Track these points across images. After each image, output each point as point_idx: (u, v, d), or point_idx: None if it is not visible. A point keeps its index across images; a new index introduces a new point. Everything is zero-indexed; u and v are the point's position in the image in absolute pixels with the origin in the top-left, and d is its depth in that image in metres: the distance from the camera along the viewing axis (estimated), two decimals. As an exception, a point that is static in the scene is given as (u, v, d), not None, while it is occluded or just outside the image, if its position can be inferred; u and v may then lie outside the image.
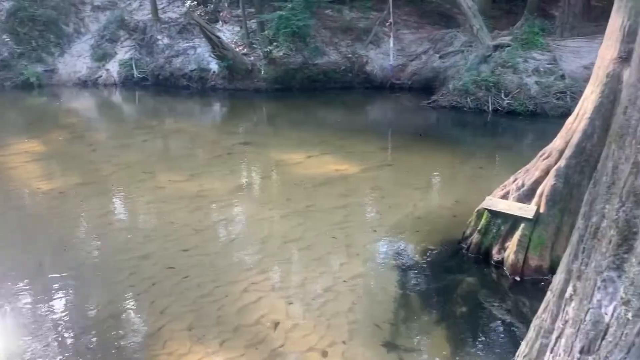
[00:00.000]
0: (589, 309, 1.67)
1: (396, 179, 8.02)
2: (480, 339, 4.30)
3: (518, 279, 5.07)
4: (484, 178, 7.80)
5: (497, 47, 12.38)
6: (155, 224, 6.50)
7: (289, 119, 12.63)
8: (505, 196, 5.56)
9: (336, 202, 6.93)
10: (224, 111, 14.49)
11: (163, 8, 17.80)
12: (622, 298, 1.58)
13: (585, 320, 1.67)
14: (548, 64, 11.73)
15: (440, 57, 14.32)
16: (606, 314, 1.62)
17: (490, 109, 11.73)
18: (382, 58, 15.01)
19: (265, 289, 4.95)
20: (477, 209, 5.68)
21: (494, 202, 5.52)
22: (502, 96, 11.63)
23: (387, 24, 14.23)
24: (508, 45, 12.23)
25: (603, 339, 1.61)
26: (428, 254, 5.64)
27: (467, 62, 12.63)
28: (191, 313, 4.56)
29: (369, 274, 5.24)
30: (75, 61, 16.81)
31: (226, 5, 17.14)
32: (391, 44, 14.31)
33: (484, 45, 12.47)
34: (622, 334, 1.55)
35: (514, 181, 5.62)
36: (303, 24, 14.14)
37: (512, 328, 4.43)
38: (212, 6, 17.03)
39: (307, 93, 14.69)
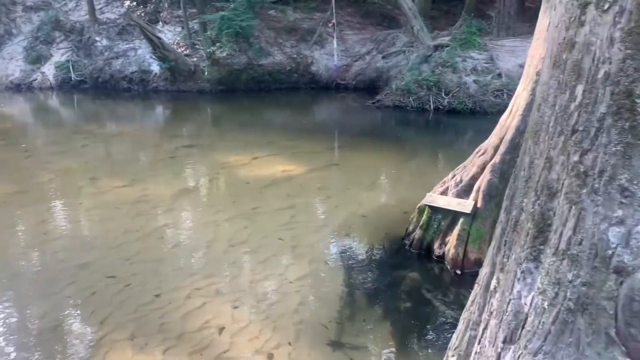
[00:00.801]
0: (510, 300, 1.74)
1: (342, 178, 8.10)
2: (423, 333, 4.41)
3: (459, 272, 5.23)
4: (428, 175, 7.99)
5: (437, 47, 12.71)
6: (95, 231, 6.30)
7: (234, 121, 12.51)
8: (444, 192, 5.72)
9: (283, 203, 6.93)
10: (167, 114, 14.18)
11: (101, 8, 17.24)
12: (539, 288, 1.66)
13: (507, 311, 1.75)
14: (485, 63, 12.15)
15: (383, 58, 14.57)
16: (525, 304, 1.70)
17: (431, 107, 12.03)
18: (326, 58, 15.12)
19: (210, 294, 4.89)
20: (418, 205, 5.82)
21: (434, 198, 5.66)
22: (443, 95, 11.96)
23: (331, 24, 14.34)
24: (447, 46, 12.58)
25: (523, 328, 1.69)
26: (373, 252, 5.72)
27: (409, 62, 12.91)
28: (133, 322, 4.45)
29: (315, 274, 5.27)
30: (7, 64, 16.03)
31: (166, 5, 16.78)
32: (335, 45, 14.43)
33: (425, 46, 12.78)
34: (539, 322, 1.63)
35: (452, 177, 5.79)
36: (246, 24, 14.04)
37: (453, 321, 4.56)
38: (152, 7, 16.64)
39: (253, 94, 14.61)
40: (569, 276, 1.60)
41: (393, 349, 4.18)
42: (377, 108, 12.72)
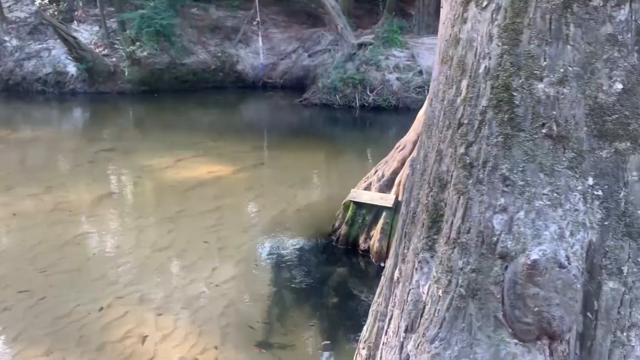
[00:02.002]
0: (410, 290, 1.80)
1: (270, 177, 8.07)
2: (350, 327, 4.47)
3: (383, 265, 5.34)
4: (355, 171, 8.10)
5: (360, 46, 12.93)
6: (7, 243, 5.92)
7: (158, 122, 12.16)
8: (368, 187, 5.83)
9: (209, 205, 6.81)
10: (85, 117, 13.56)
11: (10, 7, 16.20)
12: (434, 277, 1.73)
13: (407, 301, 1.80)
14: (407, 61, 12.51)
15: (309, 56, 14.66)
16: (423, 293, 1.76)
17: (357, 105, 12.24)
18: (252, 57, 15.01)
19: (132, 302, 4.72)
20: (343, 201, 5.90)
21: (358, 193, 5.76)
22: (368, 92, 12.19)
23: (255, 22, 14.25)
24: (371, 44, 12.83)
25: (421, 317, 1.75)
26: (301, 250, 5.74)
27: (334, 61, 13.06)
28: (49, 336, 4.22)
29: (242, 276, 5.22)
30: None
31: (81, 4, 16.03)
32: (260, 43, 14.35)
33: (349, 44, 12.98)
34: (435, 310, 1.69)
35: (375, 173, 5.91)
36: (167, 22, 13.68)
37: (377, 312, 4.66)
38: (65, 5, 15.83)
39: (177, 94, 14.25)
40: (460, 264, 1.67)
41: (321, 346, 4.22)
42: (305, 106, 12.78)
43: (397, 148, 5.84)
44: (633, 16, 1.55)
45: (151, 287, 5.02)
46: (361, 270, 5.39)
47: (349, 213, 5.73)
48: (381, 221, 5.46)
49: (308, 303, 4.82)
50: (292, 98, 13.37)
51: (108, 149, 9.71)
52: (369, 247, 5.53)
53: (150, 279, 5.14)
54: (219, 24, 15.53)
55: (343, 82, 12.30)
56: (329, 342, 4.24)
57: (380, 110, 12.02)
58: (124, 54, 14.06)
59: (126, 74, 13.96)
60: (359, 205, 5.67)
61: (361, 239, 5.63)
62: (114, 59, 14.30)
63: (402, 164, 5.60)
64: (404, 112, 11.76)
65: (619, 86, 1.57)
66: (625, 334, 1.56)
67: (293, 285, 5.12)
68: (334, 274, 5.35)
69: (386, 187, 5.65)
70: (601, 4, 1.56)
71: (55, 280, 5.03)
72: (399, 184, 5.51)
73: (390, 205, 5.40)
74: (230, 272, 5.23)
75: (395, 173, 5.62)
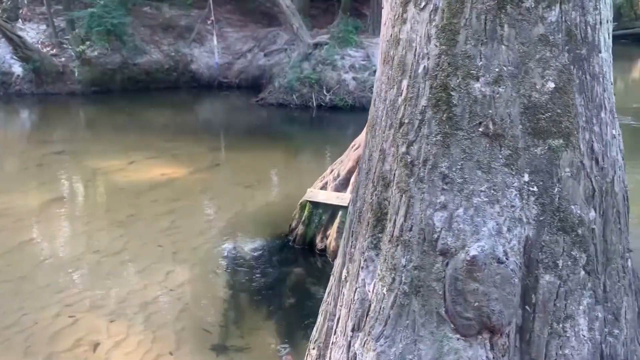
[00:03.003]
0: (356, 289, 1.81)
1: (226, 179, 7.98)
2: (307, 327, 4.45)
3: (339, 264, 5.37)
4: (312, 171, 8.10)
5: (317, 45, 12.96)
6: (-55, 253, 5.64)
7: (109, 123, 11.83)
8: (324, 187, 5.84)
9: (162, 209, 6.67)
10: (33, 118, 13.07)
11: (-51, 4, 15.45)
12: (379, 275, 1.74)
13: (354, 300, 1.81)
14: (362, 60, 12.61)
15: (265, 55, 14.59)
16: (369, 292, 1.77)
17: (314, 105, 12.26)
18: (207, 57, 14.81)
19: (82, 309, 4.57)
20: (300, 201, 5.89)
21: (314, 193, 5.77)
22: (324, 92, 12.23)
23: (209, 22, 14.06)
24: (326, 44, 12.87)
25: (367, 315, 1.76)
26: (258, 251, 5.70)
27: (291, 60, 13.05)
28: (-7, 349, 4.04)
29: (198, 279, 5.13)
30: None
31: (26, 2, 15.44)
32: (215, 42, 14.18)
33: (305, 44, 12.99)
34: (380, 308, 1.71)
35: (330, 172, 5.93)
36: (118, 21, 13.33)
37: (334, 311, 4.67)
38: (9, 2, 15.21)
39: (130, 94, 13.91)
40: (403, 261, 1.69)
41: (278, 347, 4.19)
42: (261, 106, 12.71)
43: (352, 147, 5.88)
44: (563, 17, 1.61)
45: (102, 293, 4.87)
46: (318, 270, 5.39)
47: (306, 213, 5.73)
48: (337, 220, 5.47)
49: (265, 304, 4.79)
50: (248, 98, 13.27)
51: (58, 152, 9.38)
52: (325, 246, 5.53)
53: (101, 284, 4.99)
54: (172, 23, 15.25)
55: (299, 81, 12.30)
56: (286, 342, 4.23)
57: (337, 110, 12.07)
58: (73, 53, 13.63)
59: (76, 74, 13.53)
60: (315, 204, 5.67)
61: (318, 239, 5.63)
62: (63, 58, 13.83)
63: (357, 162, 5.63)
64: (360, 111, 11.83)
65: (551, 85, 1.62)
66: (561, 325, 1.61)
67: (249, 287, 5.08)
68: (291, 274, 5.33)
69: (342, 186, 5.67)
70: (533, 5, 1.61)
71: (-1, 290, 4.83)
72: (354, 183, 5.55)
73: (346, 205, 5.41)
74: (185, 276, 5.14)
75: (351, 172, 5.65)
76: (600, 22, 1.67)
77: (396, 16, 1.79)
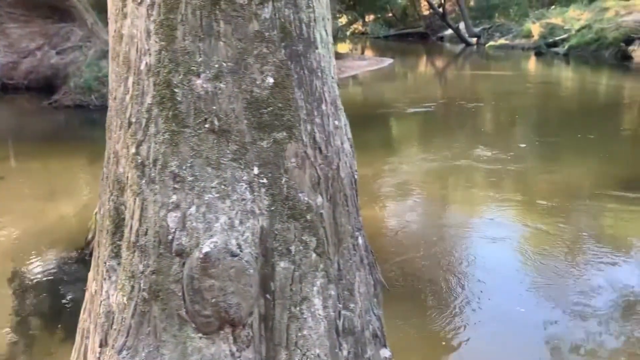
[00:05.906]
0: (101, 302, 1.71)
1: (12, 193, 7.08)
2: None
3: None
4: (112, 176, 7.61)
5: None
6: None
7: None
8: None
9: None
10: None
11: None
12: (119, 284, 1.66)
13: (100, 314, 1.71)
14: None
15: (57, 54, 13.28)
16: (113, 303, 1.68)
17: (117, 105, 11.53)
18: (-15, 56, 13.00)
19: None
20: (94, 211, 5.46)
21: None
22: (128, 91, 11.57)
23: (-15, 16, 12.33)
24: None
25: (111, 328, 1.67)
26: (49, 269, 5.14)
27: (87, 59, 12.08)
28: None
29: (-24, 311, 4.46)
30: None
31: None
32: (-7, 40, 12.50)
33: (102, 41, 12.12)
34: (122, 319, 1.63)
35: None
36: None
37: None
38: None
39: None
40: (140, 267, 1.64)
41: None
42: (56, 109, 11.58)
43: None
44: (277, 14, 1.68)
45: None
46: (118, 282, 5.08)
47: (101, 222, 5.34)
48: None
49: (60, 325, 4.35)
50: (40, 100, 11.98)
51: None
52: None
53: None
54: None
55: (98, 80, 11.43)
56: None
57: (143, 110, 11.51)
58: None
59: None
60: (111, 212, 5.32)
61: (117, 249, 5.30)
62: None
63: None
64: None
65: (271, 80, 1.69)
66: (298, 308, 1.70)
67: (42, 309, 4.57)
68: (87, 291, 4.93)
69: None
70: (246, 2, 1.65)
71: None
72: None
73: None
74: (-44, 310, 4.43)
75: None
76: (315, 20, 1.78)
77: (117, 10, 1.71)
